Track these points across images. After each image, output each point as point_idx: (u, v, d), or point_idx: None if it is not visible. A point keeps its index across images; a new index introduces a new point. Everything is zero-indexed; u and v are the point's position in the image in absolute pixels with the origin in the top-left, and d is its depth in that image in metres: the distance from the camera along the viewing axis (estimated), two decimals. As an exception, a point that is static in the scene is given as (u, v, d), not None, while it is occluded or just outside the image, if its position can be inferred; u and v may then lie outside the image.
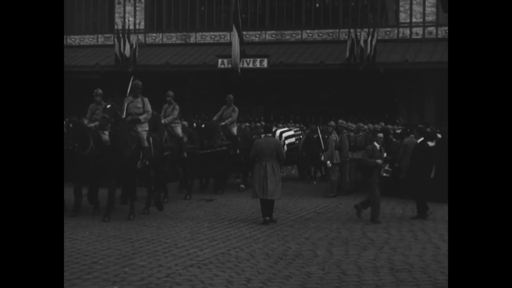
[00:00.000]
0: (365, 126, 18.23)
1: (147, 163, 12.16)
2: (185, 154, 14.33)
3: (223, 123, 16.19)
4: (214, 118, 16.59)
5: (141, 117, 12.31)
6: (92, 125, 12.49)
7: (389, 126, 19.13)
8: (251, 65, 25.90)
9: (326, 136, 17.99)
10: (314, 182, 18.66)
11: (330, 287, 7.28)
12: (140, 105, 12.46)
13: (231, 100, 16.65)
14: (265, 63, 25.93)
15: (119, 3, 29.67)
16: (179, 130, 14.44)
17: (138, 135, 12.11)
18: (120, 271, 7.81)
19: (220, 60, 26.13)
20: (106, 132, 11.86)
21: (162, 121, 14.16)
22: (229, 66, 25.60)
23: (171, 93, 14.93)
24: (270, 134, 12.31)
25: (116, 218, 11.75)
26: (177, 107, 14.62)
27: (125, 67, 26.50)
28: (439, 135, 15.35)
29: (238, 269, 8.00)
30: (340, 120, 16.93)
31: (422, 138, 12.89)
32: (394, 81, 26.55)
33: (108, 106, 11.68)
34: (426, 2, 26.64)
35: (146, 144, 12.17)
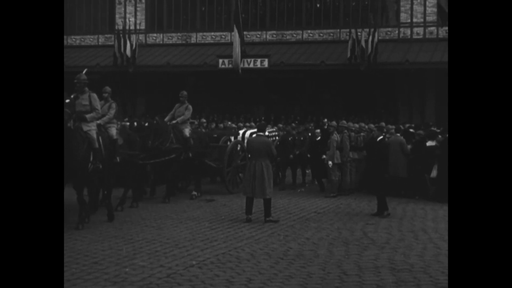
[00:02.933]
0: (366, 126, 18.23)
1: (101, 166, 11.06)
2: (118, 159, 12.29)
3: (174, 121, 14.77)
4: (166, 119, 14.94)
5: (88, 116, 11.10)
6: None
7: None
8: (251, 65, 25.90)
9: (301, 138, 17.55)
10: (302, 190, 16.68)
11: (331, 287, 7.28)
12: (86, 102, 11.23)
13: (184, 97, 15.13)
14: (265, 63, 25.93)
15: (119, 3, 29.68)
16: (113, 131, 12.44)
17: (87, 135, 10.96)
18: (121, 271, 7.81)
19: (220, 60, 26.14)
20: None
21: (97, 122, 12.22)
22: (230, 66, 25.61)
23: (108, 88, 13.06)
24: (262, 133, 12.29)
25: (116, 218, 11.75)
26: (114, 105, 12.76)
27: (126, 68, 26.54)
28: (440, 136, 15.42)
29: (239, 269, 8.00)
30: (342, 121, 16.92)
31: (381, 136, 13.02)
32: (395, 81, 26.56)
33: (67, 101, 10.68)
34: (427, 2, 26.63)
35: (96, 145, 11.08)
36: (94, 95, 11.40)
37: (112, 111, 12.57)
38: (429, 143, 15.27)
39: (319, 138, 16.74)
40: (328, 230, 10.87)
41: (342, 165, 15.68)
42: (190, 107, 15.04)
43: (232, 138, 16.88)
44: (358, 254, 8.95)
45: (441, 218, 12.17)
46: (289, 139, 17.30)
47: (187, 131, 14.79)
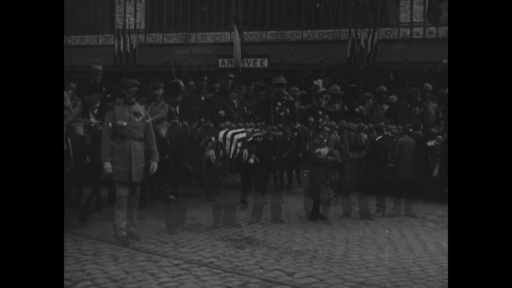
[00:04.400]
0: (366, 126, 18.19)
1: (68, 170, 10.37)
2: (88, 159, 11.48)
3: (147, 120, 13.14)
4: None
5: None
6: None
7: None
8: (251, 65, 25.88)
9: (288, 139, 16.63)
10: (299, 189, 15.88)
11: (330, 287, 7.28)
12: None
13: (160, 94, 14.26)
14: (265, 62, 25.90)
15: (119, 3, 29.66)
16: (80, 129, 11.71)
17: None
18: (120, 271, 7.80)
19: (220, 60, 26.13)
20: None
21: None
22: (230, 66, 25.59)
23: (72, 85, 12.27)
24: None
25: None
26: (79, 102, 12.03)
27: (126, 67, 26.52)
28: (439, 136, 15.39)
29: (237, 270, 7.99)
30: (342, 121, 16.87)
31: (380, 137, 13.04)
32: (395, 81, 26.53)
33: None
34: (427, 2, 26.59)
35: (64, 147, 10.41)
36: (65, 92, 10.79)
37: (77, 109, 11.91)
38: (429, 143, 15.25)
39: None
40: (328, 230, 10.86)
41: (342, 165, 15.65)
42: (166, 105, 14.07)
43: (213, 139, 15.42)
44: (358, 254, 8.95)
45: (441, 217, 12.17)
46: (270, 139, 15.77)
47: (163, 131, 13.73)
